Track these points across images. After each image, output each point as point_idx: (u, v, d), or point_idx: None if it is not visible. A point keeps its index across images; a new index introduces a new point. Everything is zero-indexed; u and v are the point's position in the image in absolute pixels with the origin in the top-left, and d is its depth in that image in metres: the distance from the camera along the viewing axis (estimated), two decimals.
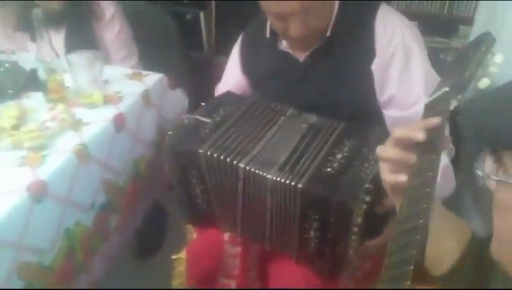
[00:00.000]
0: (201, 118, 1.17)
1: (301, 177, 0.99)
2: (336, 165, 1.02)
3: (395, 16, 1.18)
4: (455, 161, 1.21)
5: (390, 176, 0.71)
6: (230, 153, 1.06)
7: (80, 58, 1.28)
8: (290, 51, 1.24)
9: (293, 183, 0.98)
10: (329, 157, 1.04)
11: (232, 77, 1.41)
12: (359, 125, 1.13)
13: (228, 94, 1.33)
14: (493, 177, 0.55)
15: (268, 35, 1.24)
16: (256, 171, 1.02)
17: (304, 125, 1.15)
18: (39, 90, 1.30)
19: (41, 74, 1.27)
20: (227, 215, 1.16)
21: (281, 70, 1.27)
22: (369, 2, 1.20)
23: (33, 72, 1.33)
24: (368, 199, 0.94)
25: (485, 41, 0.77)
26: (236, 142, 1.09)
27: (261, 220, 1.10)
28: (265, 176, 1.01)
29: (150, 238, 1.77)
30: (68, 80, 1.30)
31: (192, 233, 1.32)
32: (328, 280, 1.09)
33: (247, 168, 1.03)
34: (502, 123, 0.53)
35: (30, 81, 1.34)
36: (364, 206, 0.94)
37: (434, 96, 0.73)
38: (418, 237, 0.60)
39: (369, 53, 1.15)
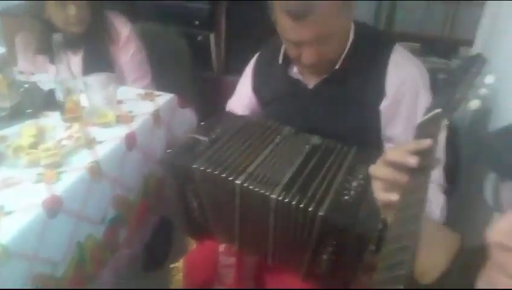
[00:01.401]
0: (198, 137, 1.23)
1: (320, 203, 1.00)
2: (353, 193, 1.03)
3: (408, 58, 1.21)
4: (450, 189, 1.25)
5: (382, 195, 0.73)
6: (225, 169, 1.10)
7: (95, 80, 1.35)
8: (301, 78, 1.27)
9: (310, 209, 0.99)
10: (346, 185, 1.05)
11: (243, 94, 1.46)
12: (369, 152, 1.14)
13: (227, 114, 1.39)
14: None
15: (280, 61, 1.28)
16: (256, 189, 1.04)
17: (306, 146, 1.18)
18: (56, 110, 1.36)
19: (59, 95, 1.33)
20: (225, 229, 1.21)
21: (290, 95, 1.30)
22: (384, 41, 1.23)
23: (51, 92, 1.40)
24: (380, 226, 0.95)
25: (476, 63, 0.78)
26: (231, 159, 1.13)
27: (263, 236, 1.13)
28: (268, 195, 1.03)
29: (157, 251, 1.82)
30: (84, 101, 1.36)
31: (193, 243, 1.37)
32: None
33: (245, 185, 1.05)
34: None
35: (48, 101, 1.41)
36: (377, 233, 0.96)
37: (426, 117, 0.75)
38: (407, 257, 0.61)
39: (379, 92, 1.18)
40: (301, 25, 1.06)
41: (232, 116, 1.38)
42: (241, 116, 1.38)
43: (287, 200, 1.02)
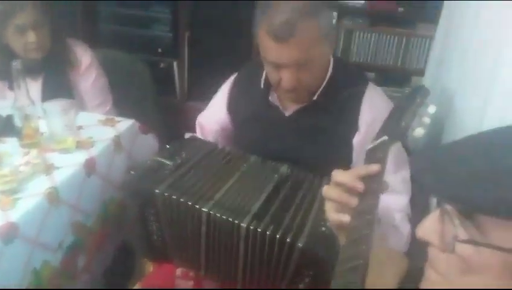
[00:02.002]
0: (163, 160, 1.23)
1: (298, 235, 1.01)
2: (328, 224, 1.04)
3: (380, 96, 1.28)
4: None
5: (334, 216, 0.77)
6: (191, 196, 1.10)
7: (55, 106, 1.35)
8: (279, 104, 1.30)
9: (288, 240, 1.00)
10: (322, 216, 1.04)
11: (216, 112, 1.46)
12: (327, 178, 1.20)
13: (193, 139, 1.40)
14: (472, 241, 0.53)
15: (262, 86, 1.31)
16: (224, 217, 1.04)
17: (275, 175, 1.19)
18: (14, 136, 1.35)
19: (17, 121, 1.32)
20: (189, 255, 1.20)
21: (265, 119, 1.33)
22: (360, 78, 1.30)
23: (9, 118, 1.39)
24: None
25: (420, 93, 0.85)
26: (197, 186, 1.14)
27: (232, 265, 1.12)
28: (239, 224, 1.03)
29: (118, 276, 1.79)
30: (43, 127, 1.36)
31: (150, 267, 1.36)
32: None
33: (211, 212, 1.06)
34: (488, 191, 0.50)
35: (6, 127, 1.39)
36: None
37: (374, 144, 0.80)
38: (357, 276, 0.64)
39: (353, 127, 1.24)
40: (283, 47, 1.11)
41: (198, 141, 1.38)
42: (207, 142, 1.39)
43: (259, 229, 1.02)
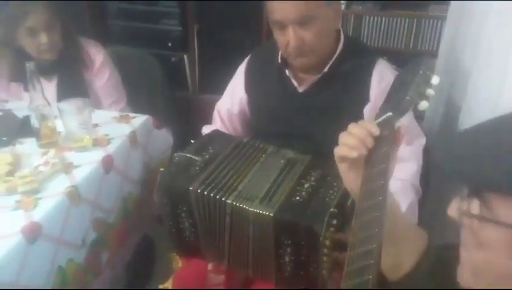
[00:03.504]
0: (192, 156, 1.25)
1: (273, 207, 1.08)
2: (303, 194, 1.11)
3: (390, 70, 1.31)
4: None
5: (344, 149, 0.79)
6: (219, 190, 1.14)
7: (70, 106, 1.36)
8: (293, 80, 1.35)
9: (266, 213, 1.07)
10: (298, 187, 1.13)
11: (234, 94, 1.51)
12: (325, 157, 1.23)
13: (216, 133, 1.42)
14: (483, 216, 0.55)
15: (279, 60, 1.35)
16: (241, 205, 1.10)
17: (282, 161, 1.24)
18: (32, 137, 1.37)
19: (34, 121, 1.34)
20: (214, 248, 1.23)
21: (280, 96, 1.38)
22: (370, 54, 1.35)
23: (26, 119, 1.40)
24: (334, 222, 1.02)
25: (423, 65, 0.83)
26: (224, 180, 1.17)
27: (245, 250, 1.17)
28: (248, 209, 1.09)
29: (140, 270, 1.82)
30: (59, 126, 1.38)
31: (177, 262, 1.38)
32: None
33: (234, 203, 1.11)
34: (490, 167, 0.53)
35: (23, 128, 1.41)
36: (332, 229, 1.02)
37: (379, 120, 0.80)
38: (372, 261, 0.64)
39: (364, 97, 1.28)
40: (285, 3, 1.18)
41: (222, 135, 1.42)
42: (230, 136, 1.43)
43: (259, 211, 1.08)
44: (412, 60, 0.89)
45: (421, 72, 0.82)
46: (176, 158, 1.27)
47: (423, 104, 0.81)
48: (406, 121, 0.84)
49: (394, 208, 0.82)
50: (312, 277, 1.10)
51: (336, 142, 0.89)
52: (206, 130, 1.55)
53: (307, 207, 1.07)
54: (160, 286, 1.31)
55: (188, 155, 1.26)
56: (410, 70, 0.84)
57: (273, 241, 1.10)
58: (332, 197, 1.08)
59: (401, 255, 0.80)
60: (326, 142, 1.23)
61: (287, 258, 1.11)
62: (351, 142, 0.79)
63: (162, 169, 1.25)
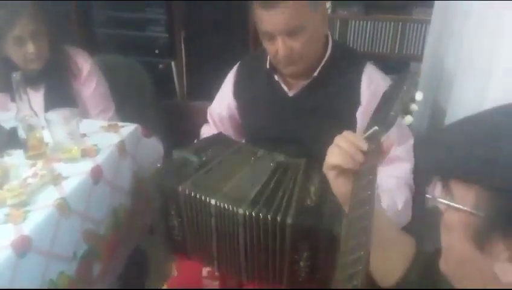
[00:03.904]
0: (189, 156, 1.26)
1: (286, 212, 1.07)
2: (313, 197, 1.11)
3: (379, 73, 1.34)
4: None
5: (334, 158, 0.81)
6: (204, 191, 1.14)
7: (57, 116, 1.35)
8: (282, 83, 1.36)
9: (279, 219, 1.06)
10: (305, 192, 1.13)
11: (223, 99, 1.53)
12: (319, 161, 1.23)
13: (219, 135, 1.43)
14: (441, 200, 0.62)
15: (268, 66, 1.37)
16: (226, 207, 1.10)
17: (271, 164, 1.24)
18: (19, 148, 1.35)
19: (21, 133, 1.32)
20: (203, 251, 1.24)
21: (270, 101, 1.39)
22: (358, 58, 1.37)
23: (13, 130, 1.39)
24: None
25: (407, 80, 0.87)
26: (211, 182, 1.18)
27: (236, 253, 1.17)
28: (236, 211, 1.09)
29: (133, 282, 1.81)
30: (47, 137, 1.36)
31: (174, 271, 1.36)
32: None
33: (218, 204, 1.11)
34: (450, 156, 0.60)
35: (10, 140, 1.39)
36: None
37: (366, 135, 0.83)
38: (360, 267, 0.68)
39: (355, 100, 1.30)
40: (273, 14, 1.19)
41: (225, 139, 1.43)
42: (234, 141, 1.44)
43: (254, 213, 1.08)
44: (396, 76, 0.93)
45: (405, 88, 0.85)
46: (175, 156, 1.28)
47: (407, 119, 0.85)
48: (397, 123, 0.86)
49: (381, 216, 0.84)
50: (328, 279, 1.09)
51: (326, 146, 0.93)
52: (205, 130, 1.58)
53: (322, 210, 1.07)
54: None
55: (186, 155, 1.27)
56: (394, 87, 0.88)
57: (287, 247, 1.09)
58: None
59: (390, 262, 0.82)
60: (317, 145, 1.25)
61: (302, 264, 1.10)
62: (341, 154, 0.81)
63: (159, 165, 1.27)
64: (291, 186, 1.15)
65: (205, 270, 1.28)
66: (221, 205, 1.11)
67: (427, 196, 0.64)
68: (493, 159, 0.54)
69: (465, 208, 0.57)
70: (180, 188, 1.16)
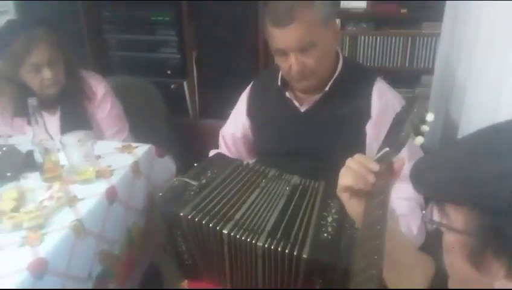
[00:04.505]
0: (189, 180, 1.26)
1: (302, 246, 1.05)
2: (330, 229, 1.09)
3: (389, 88, 1.36)
4: None
5: (346, 180, 0.83)
6: (213, 218, 1.13)
7: (72, 139, 1.38)
8: (294, 100, 1.38)
9: (295, 253, 1.04)
10: (322, 222, 1.11)
11: (236, 119, 1.55)
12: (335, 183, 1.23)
13: (217, 156, 1.44)
14: (434, 222, 0.64)
15: (279, 83, 1.39)
16: (243, 238, 1.08)
17: (287, 188, 1.23)
18: (36, 171, 1.38)
19: (37, 156, 1.35)
20: (215, 273, 1.23)
21: (282, 117, 1.41)
22: (369, 73, 1.40)
23: (29, 153, 1.41)
24: None
25: (417, 103, 0.89)
26: (218, 206, 1.16)
27: (253, 280, 1.16)
28: (255, 244, 1.07)
29: None
30: (63, 159, 1.39)
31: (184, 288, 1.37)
32: None
33: (232, 234, 1.09)
34: (438, 180, 0.62)
35: (27, 163, 1.42)
36: None
37: (377, 156, 0.85)
38: (372, 286, 0.68)
39: (365, 114, 1.31)
40: (285, 32, 1.22)
41: (224, 158, 1.43)
42: (232, 159, 1.43)
43: (273, 247, 1.06)
44: (408, 99, 0.96)
45: (415, 110, 0.87)
46: (176, 182, 1.28)
47: (418, 140, 0.87)
48: (409, 142, 0.87)
49: (398, 237, 0.85)
50: None
51: (339, 159, 0.93)
52: (212, 154, 1.57)
53: (338, 245, 1.05)
54: None
55: (185, 179, 1.27)
56: (405, 109, 0.90)
57: (300, 279, 1.07)
58: (355, 230, 1.06)
59: (410, 282, 0.82)
60: (330, 159, 1.25)
61: None
62: (352, 176, 0.82)
63: (160, 193, 1.27)
64: (308, 216, 1.13)
65: None
66: (237, 236, 1.09)
67: (423, 219, 0.67)
68: (474, 179, 0.56)
69: (457, 229, 0.59)
70: (181, 214, 1.15)
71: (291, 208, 1.16)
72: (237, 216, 1.14)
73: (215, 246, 1.15)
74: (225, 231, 1.10)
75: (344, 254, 1.02)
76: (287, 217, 1.13)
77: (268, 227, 1.10)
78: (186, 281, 1.36)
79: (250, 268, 1.13)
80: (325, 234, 1.08)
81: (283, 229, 1.09)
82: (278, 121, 1.42)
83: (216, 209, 1.16)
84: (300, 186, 1.24)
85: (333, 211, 1.14)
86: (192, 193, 1.22)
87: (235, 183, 1.26)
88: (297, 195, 1.20)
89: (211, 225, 1.12)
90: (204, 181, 1.26)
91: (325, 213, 1.13)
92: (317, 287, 1.07)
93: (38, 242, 1.11)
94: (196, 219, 1.13)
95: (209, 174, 1.29)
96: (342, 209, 1.12)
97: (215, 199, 1.20)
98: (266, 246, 1.06)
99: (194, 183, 1.25)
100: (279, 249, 1.05)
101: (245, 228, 1.10)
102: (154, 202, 1.54)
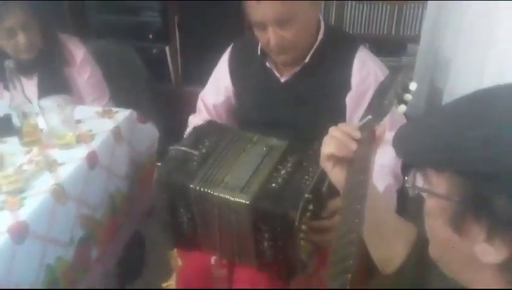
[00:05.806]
0: (188, 150, 1.24)
1: (249, 194, 1.10)
2: (280, 180, 1.12)
3: (371, 57, 1.33)
4: None
5: (329, 148, 0.83)
6: (211, 184, 1.15)
7: (51, 103, 1.34)
8: (274, 70, 1.35)
9: (242, 201, 1.09)
10: (274, 174, 1.15)
11: (219, 83, 1.50)
12: (302, 142, 1.23)
13: (211, 124, 1.40)
14: (416, 188, 0.64)
15: (259, 53, 1.36)
16: (224, 196, 1.12)
17: (264, 148, 1.24)
18: (14, 135, 1.35)
19: (15, 120, 1.32)
20: (209, 239, 1.24)
21: (263, 87, 1.38)
22: (351, 42, 1.35)
23: (7, 118, 1.38)
24: (310, 207, 1.05)
25: (401, 73, 0.90)
26: (217, 175, 1.17)
27: (230, 238, 1.19)
28: (229, 199, 1.11)
29: (131, 266, 1.83)
30: (42, 124, 1.36)
31: (176, 259, 1.36)
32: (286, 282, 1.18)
33: (219, 195, 1.12)
34: (421, 147, 0.62)
35: (5, 127, 1.39)
36: (308, 214, 1.05)
37: (360, 124, 0.85)
38: (353, 249, 0.68)
39: (345, 86, 1.29)
40: (264, 5, 1.18)
41: (218, 127, 1.40)
42: (227, 127, 1.41)
43: (236, 199, 1.10)
44: (392, 68, 0.96)
45: (399, 79, 0.87)
46: (172, 152, 1.26)
47: (401, 108, 0.87)
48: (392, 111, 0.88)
49: (380, 202, 0.85)
50: (291, 260, 1.12)
51: (318, 130, 0.93)
52: (193, 120, 1.54)
53: (282, 194, 1.09)
54: (164, 285, 1.31)
55: (184, 149, 1.25)
56: (389, 78, 0.90)
57: (250, 228, 1.12)
58: (307, 182, 1.10)
59: (392, 249, 0.83)
60: (309, 130, 1.26)
61: (265, 244, 1.13)
62: (335, 144, 0.82)
63: (158, 164, 1.25)
64: (267, 170, 1.17)
65: (213, 259, 1.28)
66: (222, 195, 1.12)
67: (406, 185, 0.66)
68: (457, 145, 0.56)
69: (439, 194, 0.59)
70: (191, 186, 1.15)
71: (262, 165, 1.19)
72: (226, 179, 1.16)
73: (211, 211, 1.16)
74: (216, 193, 1.13)
75: (286, 201, 1.06)
76: (257, 173, 1.16)
77: (242, 184, 1.14)
78: (175, 252, 1.36)
79: (229, 225, 1.16)
80: (273, 184, 1.12)
81: (250, 183, 1.13)
82: (258, 89, 1.40)
83: (216, 177, 1.16)
84: (274, 146, 1.25)
85: (288, 165, 1.17)
86: (195, 163, 1.21)
87: (231, 151, 1.25)
88: (270, 154, 1.22)
89: (209, 191, 1.13)
90: (204, 151, 1.24)
91: (280, 167, 1.16)
92: (266, 235, 1.11)
93: (18, 206, 1.10)
94: (203, 189, 1.14)
95: (207, 143, 1.27)
96: (298, 165, 1.16)
97: (217, 168, 1.19)
98: (234, 199, 1.11)
99: (195, 152, 1.23)
100: (237, 200, 1.10)
101: (228, 188, 1.14)
102: (138, 168, 1.53)
